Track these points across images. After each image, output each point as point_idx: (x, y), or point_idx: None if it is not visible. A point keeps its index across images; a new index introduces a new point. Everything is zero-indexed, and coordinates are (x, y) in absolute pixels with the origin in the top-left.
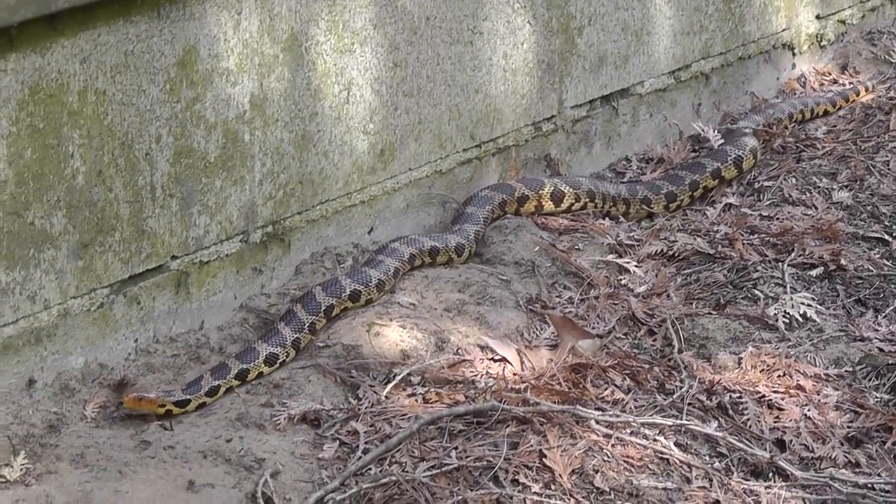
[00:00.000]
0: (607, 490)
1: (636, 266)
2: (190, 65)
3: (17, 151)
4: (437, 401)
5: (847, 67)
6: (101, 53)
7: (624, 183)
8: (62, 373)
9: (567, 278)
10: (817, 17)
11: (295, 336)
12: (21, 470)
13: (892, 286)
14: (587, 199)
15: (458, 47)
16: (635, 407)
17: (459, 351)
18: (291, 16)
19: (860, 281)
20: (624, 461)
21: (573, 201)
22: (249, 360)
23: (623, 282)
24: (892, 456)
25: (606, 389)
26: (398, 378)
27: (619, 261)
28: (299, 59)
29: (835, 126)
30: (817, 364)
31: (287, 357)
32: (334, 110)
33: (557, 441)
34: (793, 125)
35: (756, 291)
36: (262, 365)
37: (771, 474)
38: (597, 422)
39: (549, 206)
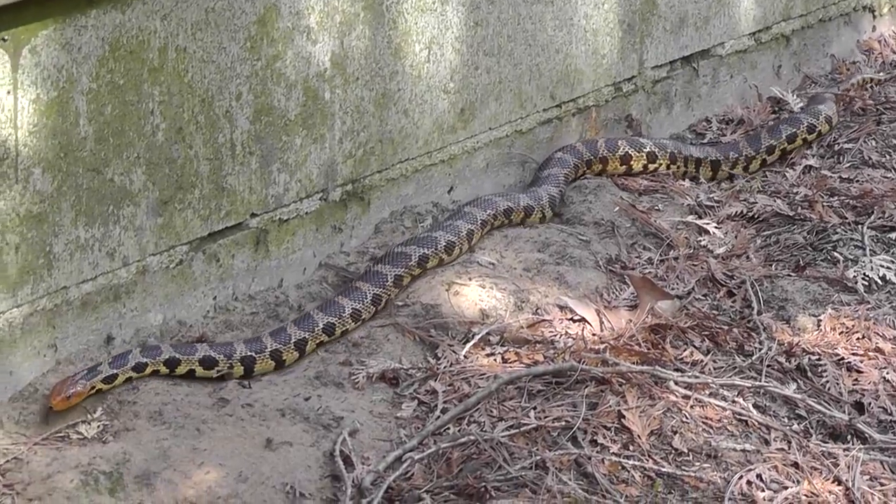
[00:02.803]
0: (685, 451)
1: (716, 227)
2: (270, 22)
3: (97, 108)
4: (515, 360)
5: None
6: (181, 10)
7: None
8: (140, 329)
9: (647, 239)
10: None
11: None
12: (98, 427)
13: None
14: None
15: (538, 7)
16: (714, 368)
17: (538, 311)
18: None
19: None
20: (702, 422)
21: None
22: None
23: (702, 243)
24: None
25: (685, 350)
26: (477, 337)
27: (698, 222)
28: (380, 17)
29: None
30: None
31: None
32: (415, 69)
33: (636, 402)
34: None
35: (835, 254)
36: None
37: (849, 437)
38: (676, 383)
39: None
